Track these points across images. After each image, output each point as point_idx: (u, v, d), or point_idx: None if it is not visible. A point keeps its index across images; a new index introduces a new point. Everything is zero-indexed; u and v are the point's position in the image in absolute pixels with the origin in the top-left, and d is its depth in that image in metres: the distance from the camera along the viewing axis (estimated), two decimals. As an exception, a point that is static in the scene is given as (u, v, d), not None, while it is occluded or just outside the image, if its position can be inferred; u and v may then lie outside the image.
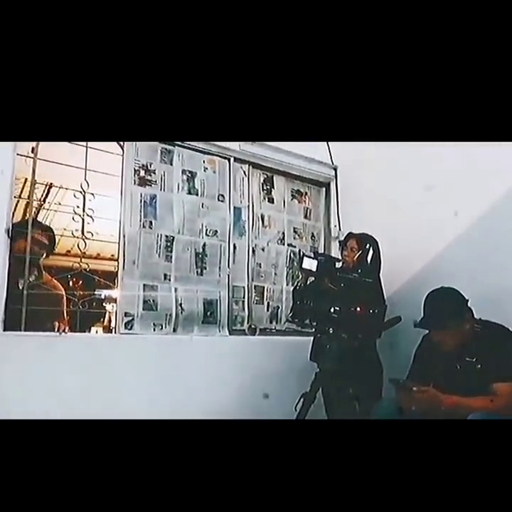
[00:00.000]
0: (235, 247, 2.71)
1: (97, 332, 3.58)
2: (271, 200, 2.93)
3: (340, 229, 3.08)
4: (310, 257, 2.14)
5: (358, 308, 2.06)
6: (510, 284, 2.19)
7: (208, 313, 2.54)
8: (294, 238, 3.02)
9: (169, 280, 2.45)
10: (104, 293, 3.36)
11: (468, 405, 1.79)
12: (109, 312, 3.54)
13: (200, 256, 2.56)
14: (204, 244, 2.59)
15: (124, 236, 2.34)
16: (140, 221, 2.40)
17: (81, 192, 2.23)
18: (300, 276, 2.44)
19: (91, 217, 2.22)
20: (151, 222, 2.43)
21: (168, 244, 2.47)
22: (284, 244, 2.96)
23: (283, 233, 2.97)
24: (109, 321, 3.64)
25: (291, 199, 3.04)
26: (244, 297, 2.72)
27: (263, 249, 2.86)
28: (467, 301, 1.98)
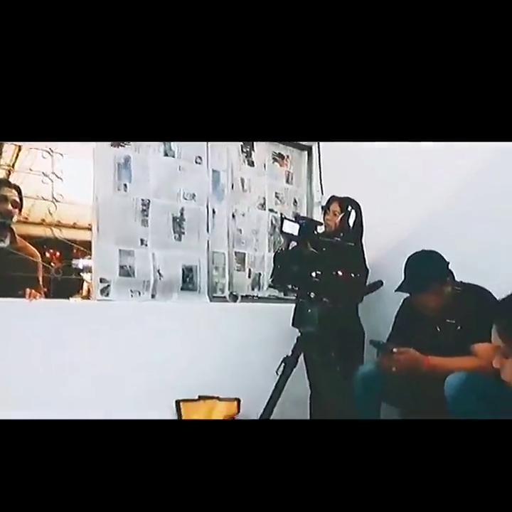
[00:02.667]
0: (213, 211, 2.63)
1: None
2: (251, 164, 2.84)
3: (322, 194, 3.02)
4: (291, 221, 2.08)
5: (340, 273, 2.03)
6: (489, 247, 2.18)
7: (187, 280, 2.48)
8: (276, 203, 2.94)
9: (146, 245, 2.37)
10: (81, 262, 3.28)
11: (448, 366, 1.80)
12: (88, 282, 3.46)
13: (178, 221, 2.48)
14: (182, 209, 2.50)
15: (97, 199, 2.24)
16: (114, 184, 2.30)
17: (49, 152, 2.12)
18: (281, 241, 2.39)
19: (60, 178, 2.12)
20: (125, 185, 2.32)
21: (144, 208, 2.38)
22: (265, 210, 2.89)
23: (264, 198, 2.89)
24: (88, 291, 3.57)
25: (272, 162, 2.95)
26: (224, 264, 2.66)
27: (243, 215, 2.78)
28: (448, 263, 1.97)
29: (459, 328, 1.93)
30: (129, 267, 2.30)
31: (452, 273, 1.99)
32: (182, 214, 2.50)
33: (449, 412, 1.72)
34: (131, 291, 2.31)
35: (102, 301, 2.22)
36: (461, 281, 2.00)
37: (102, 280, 2.23)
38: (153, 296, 2.37)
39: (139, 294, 2.33)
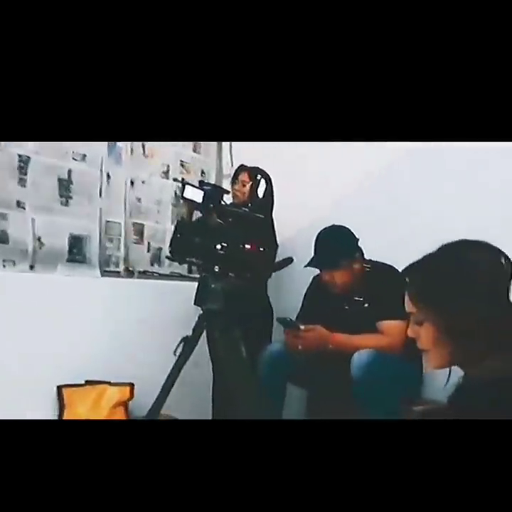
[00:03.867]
0: (108, 176, 2.33)
1: None
2: (154, 127, 2.58)
3: (232, 166, 2.85)
4: (194, 187, 1.88)
5: (248, 246, 1.88)
6: (400, 225, 2.16)
7: (75, 251, 2.19)
8: (181, 173, 2.71)
9: (24, 208, 2.04)
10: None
11: (354, 343, 1.79)
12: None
13: (65, 183, 2.17)
14: (70, 170, 2.18)
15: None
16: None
17: None
18: (184, 209, 2.19)
19: None
20: (-4, 137, 1.97)
21: (22, 165, 2.03)
22: (168, 179, 2.65)
23: (168, 166, 2.64)
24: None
25: (178, 128, 2.72)
26: (120, 235, 2.39)
27: (144, 182, 2.52)
28: (357, 240, 1.94)
29: (366, 305, 1.92)
30: (2, 231, 1.97)
31: (361, 250, 1.97)
32: (70, 176, 2.19)
33: (353, 389, 1.68)
34: (3, 260, 1.99)
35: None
36: (370, 259, 1.99)
37: (-36, 246, 1.89)
38: (32, 267, 2.06)
39: (14, 264, 2.01)
